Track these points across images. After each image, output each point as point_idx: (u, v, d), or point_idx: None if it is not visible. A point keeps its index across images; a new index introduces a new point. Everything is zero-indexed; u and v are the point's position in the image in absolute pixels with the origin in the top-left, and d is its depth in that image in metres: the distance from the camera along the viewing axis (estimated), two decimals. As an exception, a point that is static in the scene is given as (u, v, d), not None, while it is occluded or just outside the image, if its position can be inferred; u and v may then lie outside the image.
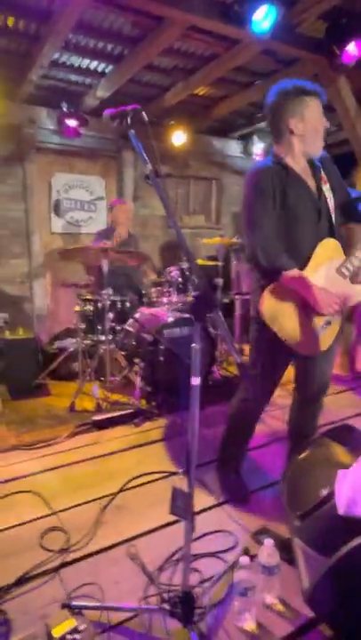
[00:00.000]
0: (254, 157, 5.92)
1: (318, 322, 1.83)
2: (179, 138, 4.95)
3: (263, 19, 2.67)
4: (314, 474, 1.76)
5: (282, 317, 1.78)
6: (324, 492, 1.58)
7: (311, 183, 1.85)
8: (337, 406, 3.26)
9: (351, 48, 3.06)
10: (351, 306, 1.90)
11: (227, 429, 2.22)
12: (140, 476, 2.27)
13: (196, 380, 1.28)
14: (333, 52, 3.12)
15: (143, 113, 1.40)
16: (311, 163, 1.87)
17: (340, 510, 1.42)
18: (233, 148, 6.06)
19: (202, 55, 3.77)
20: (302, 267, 1.76)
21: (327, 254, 1.83)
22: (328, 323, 1.86)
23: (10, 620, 1.43)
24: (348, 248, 1.90)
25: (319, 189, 1.85)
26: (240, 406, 2.12)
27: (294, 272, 1.70)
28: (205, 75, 3.94)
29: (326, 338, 1.88)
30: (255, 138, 5.84)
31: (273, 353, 1.90)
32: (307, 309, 1.79)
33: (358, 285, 1.86)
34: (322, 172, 1.88)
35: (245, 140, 6.00)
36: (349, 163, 3.95)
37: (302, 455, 1.93)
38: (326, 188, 1.86)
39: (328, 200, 1.86)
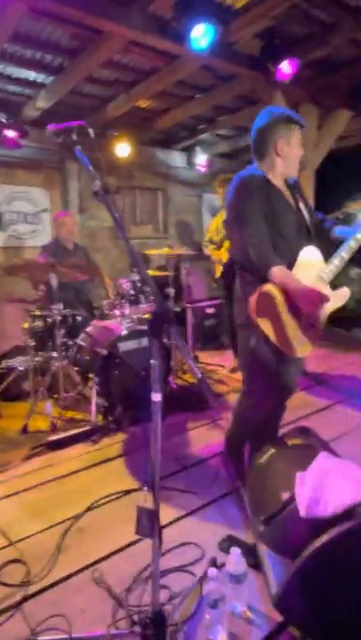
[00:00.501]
0: (198, 168, 6.05)
1: (301, 326, 1.85)
2: (123, 149, 4.96)
3: (201, 36, 2.74)
4: (274, 478, 1.81)
5: (269, 321, 1.79)
6: (286, 496, 1.63)
7: (290, 199, 1.98)
8: (291, 407, 3.36)
9: (285, 66, 3.21)
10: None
11: (236, 426, 2.23)
12: (102, 498, 2.20)
13: (157, 397, 1.27)
14: (269, 69, 3.26)
15: (90, 129, 1.39)
16: (287, 183, 2.02)
17: (302, 512, 1.47)
18: (177, 159, 6.15)
19: (142, 69, 3.81)
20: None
21: (309, 261, 1.90)
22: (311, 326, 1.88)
23: (-31, 668, 1.34)
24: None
25: (297, 205, 1.99)
26: (248, 415, 2.13)
27: (283, 270, 1.74)
28: (147, 88, 3.99)
29: (315, 337, 1.91)
30: (198, 149, 5.98)
31: (266, 360, 1.90)
32: (292, 312, 1.80)
33: (337, 290, 1.95)
34: (297, 194, 2.03)
35: (188, 151, 6.12)
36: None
37: (262, 459, 1.97)
38: (302, 205, 2.02)
39: (305, 214, 2.00)
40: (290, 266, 1.83)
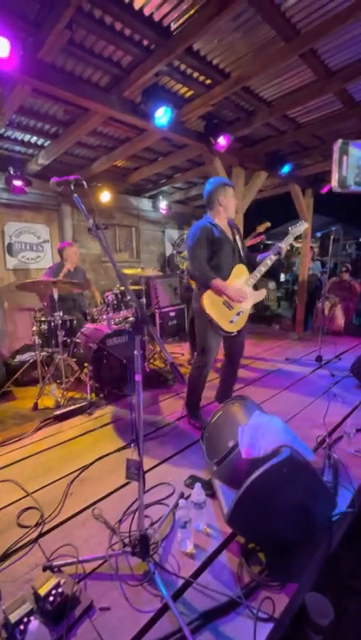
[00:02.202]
0: (161, 211, 6.04)
1: (233, 313, 2.22)
2: (105, 196, 4.86)
3: (162, 116, 2.75)
4: (223, 431, 1.84)
5: (214, 309, 2.16)
6: (231, 444, 1.66)
7: (229, 234, 2.27)
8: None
9: (221, 140, 3.29)
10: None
11: (189, 390, 2.47)
12: (101, 458, 2.14)
13: (138, 377, 1.26)
14: (210, 141, 3.32)
15: (84, 182, 1.37)
16: (228, 223, 2.30)
17: (243, 454, 1.51)
18: (145, 204, 6.11)
19: (119, 138, 3.77)
20: (225, 280, 2.18)
21: (239, 273, 2.26)
22: (239, 314, 2.24)
23: (-1, 591, 1.26)
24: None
25: (234, 238, 2.29)
26: (197, 372, 2.38)
27: (218, 280, 2.11)
28: (122, 152, 3.94)
29: (239, 323, 2.28)
30: (160, 197, 5.97)
31: (211, 332, 2.23)
32: (227, 304, 2.18)
33: (257, 291, 2.33)
34: (235, 230, 2.33)
35: (154, 198, 6.10)
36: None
37: (213, 419, 2.01)
38: (237, 237, 2.32)
39: (239, 244, 2.32)
40: (226, 276, 2.20)
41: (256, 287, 2.33)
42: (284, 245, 2.27)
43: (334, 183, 2.59)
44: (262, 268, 2.28)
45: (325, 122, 3.57)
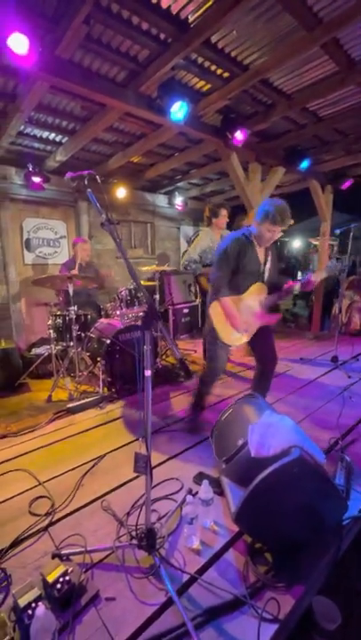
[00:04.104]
0: (176, 207, 6.02)
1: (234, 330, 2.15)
2: (120, 192, 4.88)
3: (178, 110, 2.72)
4: (233, 429, 1.83)
5: (219, 319, 2.13)
6: (241, 442, 1.65)
7: (261, 255, 2.18)
8: (245, 379, 3.42)
9: (238, 135, 3.23)
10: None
11: (199, 386, 2.36)
12: (112, 451, 2.17)
13: (148, 372, 1.26)
14: (226, 136, 3.27)
15: (97, 176, 1.37)
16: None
17: (252, 453, 1.49)
18: (161, 200, 6.10)
19: (135, 134, 3.76)
20: (243, 292, 2.15)
21: (257, 291, 2.20)
22: (243, 333, 2.18)
23: (9, 576, 1.31)
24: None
25: (265, 259, 2.20)
26: (203, 382, 2.33)
27: (226, 300, 2.08)
28: (138, 148, 3.94)
29: (242, 338, 2.22)
30: (176, 193, 5.95)
31: (216, 341, 2.18)
32: (229, 322, 2.13)
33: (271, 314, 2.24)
34: (269, 252, 2.22)
35: (169, 194, 6.08)
36: (240, 211, 4.19)
37: (223, 417, 1.99)
38: (269, 259, 2.22)
39: (267, 265, 2.21)
40: (244, 290, 2.16)
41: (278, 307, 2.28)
42: (314, 279, 2.15)
43: None
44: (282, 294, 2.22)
45: (348, 115, 3.44)
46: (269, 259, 2.22)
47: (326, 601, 1.24)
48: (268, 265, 2.21)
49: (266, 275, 2.21)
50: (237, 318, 2.08)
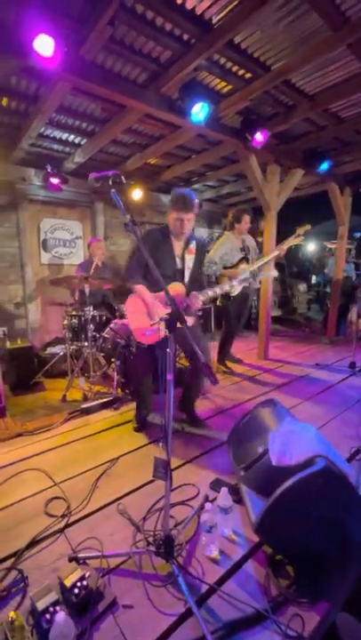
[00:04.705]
0: (191, 209, 5.99)
1: (149, 323, 2.08)
2: (137, 194, 4.89)
3: (199, 111, 2.71)
4: (251, 436, 1.79)
5: (132, 317, 2.12)
6: (261, 449, 1.61)
7: (177, 248, 2.13)
8: (259, 384, 3.36)
9: (258, 136, 3.19)
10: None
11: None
12: (126, 454, 2.15)
13: (170, 376, 1.24)
14: (246, 137, 3.23)
15: (122, 177, 1.35)
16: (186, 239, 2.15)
17: (274, 462, 1.45)
18: (176, 202, 6.10)
19: (153, 135, 3.77)
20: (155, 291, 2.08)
21: (174, 291, 2.10)
22: (158, 326, 2.00)
23: (26, 577, 1.30)
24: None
25: (183, 254, 2.14)
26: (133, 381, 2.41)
27: (140, 286, 2.05)
28: (156, 150, 3.94)
29: (154, 337, 2.11)
30: (191, 195, 5.93)
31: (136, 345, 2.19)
32: (144, 314, 2.08)
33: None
34: (192, 250, 2.16)
35: (184, 196, 6.06)
36: (258, 213, 4.14)
37: (241, 422, 1.95)
38: (191, 257, 2.15)
39: (184, 262, 2.15)
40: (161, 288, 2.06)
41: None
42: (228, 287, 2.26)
43: None
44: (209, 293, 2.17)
45: (370, 115, 3.37)
46: (192, 257, 2.14)
47: (351, 619, 1.19)
48: (187, 262, 2.14)
49: (186, 274, 2.15)
50: (153, 302, 2.04)
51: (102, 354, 3.40)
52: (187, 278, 2.16)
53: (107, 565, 1.33)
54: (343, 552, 1.35)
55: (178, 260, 2.12)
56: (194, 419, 2.50)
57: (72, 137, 3.75)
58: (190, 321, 2.09)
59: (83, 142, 3.87)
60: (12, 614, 1.10)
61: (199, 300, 2.07)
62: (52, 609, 1.10)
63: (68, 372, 3.27)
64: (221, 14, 2.12)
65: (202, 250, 2.24)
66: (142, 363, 2.26)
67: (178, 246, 2.15)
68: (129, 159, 4.41)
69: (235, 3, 2.02)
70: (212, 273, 3.50)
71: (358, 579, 1.31)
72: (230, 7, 2.06)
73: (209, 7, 2.07)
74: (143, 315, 2.10)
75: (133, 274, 2.09)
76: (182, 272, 2.14)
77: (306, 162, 4.02)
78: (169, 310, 1.87)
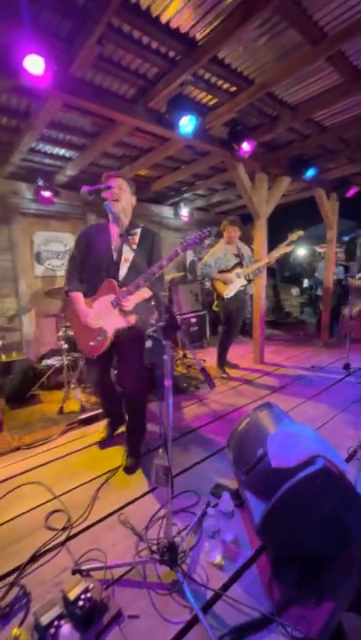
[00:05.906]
0: (182, 218, 6.09)
1: (93, 334, 1.91)
2: (128, 205, 4.94)
3: (187, 124, 2.78)
4: (251, 439, 1.79)
5: (73, 326, 2.04)
6: (260, 452, 1.61)
7: (115, 240, 1.88)
8: (257, 388, 3.38)
9: (245, 145, 3.27)
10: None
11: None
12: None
13: (168, 382, 1.25)
14: (233, 147, 3.31)
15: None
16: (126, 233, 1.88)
17: (273, 464, 1.46)
18: (166, 211, 6.18)
19: (143, 147, 3.84)
20: (94, 292, 1.93)
21: (108, 289, 1.88)
22: (101, 336, 1.90)
23: (29, 593, 1.28)
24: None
25: (121, 247, 1.88)
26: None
27: (76, 294, 1.94)
28: (145, 161, 4.01)
29: (101, 346, 1.91)
30: (182, 204, 6.02)
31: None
32: (82, 323, 1.93)
33: (118, 317, 1.90)
34: (133, 236, 1.89)
35: (175, 206, 6.15)
36: (247, 220, 4.22)
37: (240, 427, 1.96)
38: (133, 248, 1.85)
39: (123, 255, 1.88)
40: (98, 285, 1.91)
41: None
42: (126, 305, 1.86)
43: None
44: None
45: (352, 124, 3.49)
46: (133, 247, 1.85)
47: (357, 618, 1.19)
48: (125, 254, 1.87)
49: (123, 267, 1.88)
50: (87, 312, 1.88)
51: (99, 364, 3.39)
52: (123, 271, 1.89)
53: (110, 576, 1.32)
54: (346, 550, 1.36)
55: (114, 253, 1.88)
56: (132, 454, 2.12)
57: (63, 151, 3.80)
58: (129, 320, 1.90)
59: (74, 156, 3.93)
60: (15, 631, 1.08)
61: (129, 298, 1.80)
62: (56, 623, 1.09)
63: (65, 384, 3.25)
64: (205, 32, 2.20)
65: (150, 239, 1.96)
66: (95, 374, 2.19)
67: (115, 237, 1.89)
68: (120, 171, 4.48)
69: (217, 21, 2.11)
70: (207, 274, 3.57)
71: (362, 577, 1.32)
72: (213, 25, 2.14)
73: (193, 26, 2.16)
74: (85, 326, 1.93)
75: (71, 279, 1.95)
76: (117, 265, 1.88)
77: (292, 169, 4.12)
78: (110, 317, 1.85)
